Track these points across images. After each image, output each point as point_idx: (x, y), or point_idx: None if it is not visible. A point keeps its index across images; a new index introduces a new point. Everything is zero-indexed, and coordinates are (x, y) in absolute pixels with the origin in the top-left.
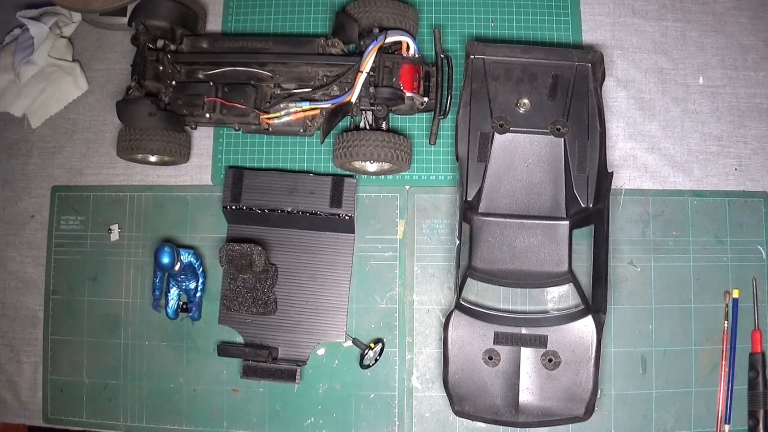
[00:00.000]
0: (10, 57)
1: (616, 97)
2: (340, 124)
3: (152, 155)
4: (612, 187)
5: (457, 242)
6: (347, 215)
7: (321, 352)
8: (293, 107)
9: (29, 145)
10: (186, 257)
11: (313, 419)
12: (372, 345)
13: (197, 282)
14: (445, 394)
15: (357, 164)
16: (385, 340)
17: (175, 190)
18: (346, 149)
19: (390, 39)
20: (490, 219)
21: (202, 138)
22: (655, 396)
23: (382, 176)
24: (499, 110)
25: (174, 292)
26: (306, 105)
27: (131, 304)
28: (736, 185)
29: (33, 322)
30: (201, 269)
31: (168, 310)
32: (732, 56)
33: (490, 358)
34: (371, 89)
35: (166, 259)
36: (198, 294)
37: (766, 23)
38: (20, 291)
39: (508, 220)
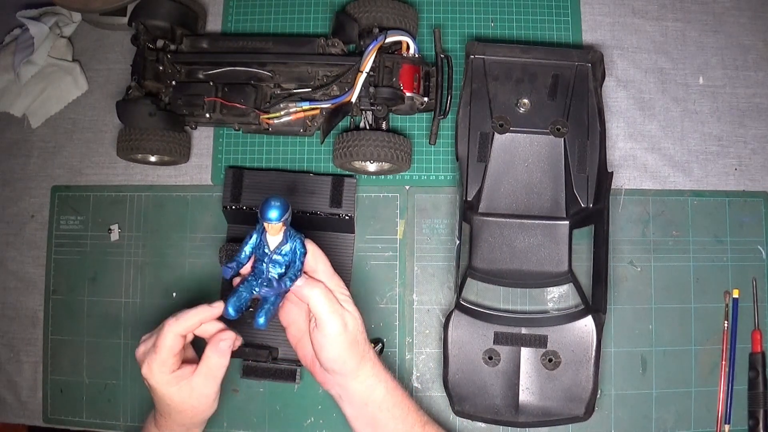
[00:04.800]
0: (10, 57)
1: (616, 97)
2: (340, 124)
3: (152, 155)
4: (612, 187)
5: (457, 242)
6: (347, 215)
7: None
8: (293, 107)
9: (29, 145)
10: (294, 236)
11: (313, 419)
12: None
13: (285, 282)
14: (445, 394)
15: (357, 164)
16: (385, 340)
17: (175, 190)
18: (346, 149)
19: (390, 39)
20: (490, 219)
21: (202, 138)
22: (655, 396)
23: (382, 176)
24: (499, 110)
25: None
26: (306, 105)
27: (131, 304)
28: (736, 185)
29: (33, 322)
30: (300, 267)
31: (229, 304)
32: (732, 56)
33: (490, 358)
34: (371, 89)
35: (274, 213)
36: (278, 298)
37: (766, 23)
38: (20, 291)
39: (508, 220)
